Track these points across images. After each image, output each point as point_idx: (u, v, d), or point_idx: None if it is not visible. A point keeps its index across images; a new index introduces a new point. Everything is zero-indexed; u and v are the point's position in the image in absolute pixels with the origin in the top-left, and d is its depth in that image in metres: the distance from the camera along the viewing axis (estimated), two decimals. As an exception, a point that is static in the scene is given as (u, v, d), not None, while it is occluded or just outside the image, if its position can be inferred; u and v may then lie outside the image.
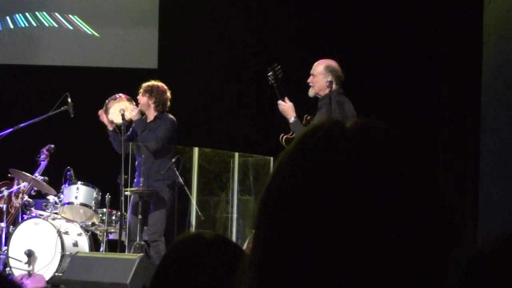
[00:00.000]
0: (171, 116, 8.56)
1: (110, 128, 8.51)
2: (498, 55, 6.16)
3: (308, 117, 7.02)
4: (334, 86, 6.91)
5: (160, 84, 8.57)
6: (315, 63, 7.11)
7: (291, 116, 6.94)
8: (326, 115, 6.64)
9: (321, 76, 6.99)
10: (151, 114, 8.53)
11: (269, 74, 7.11)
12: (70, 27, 10.97)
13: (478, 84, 6.57)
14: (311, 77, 7.06)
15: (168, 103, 8.56)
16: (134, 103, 8.55)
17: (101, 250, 8.59)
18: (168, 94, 8.56)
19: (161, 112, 8.52)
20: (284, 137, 6.95)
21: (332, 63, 7.08)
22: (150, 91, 8.50)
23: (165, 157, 8.46)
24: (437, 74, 9.88)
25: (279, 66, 7.10)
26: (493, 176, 6.09)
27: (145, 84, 8.56)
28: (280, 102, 7.01)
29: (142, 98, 8.52)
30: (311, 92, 7.06)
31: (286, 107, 6.97)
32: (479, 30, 6.59)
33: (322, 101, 6.99)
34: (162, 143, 8.41)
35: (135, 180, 8.46)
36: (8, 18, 10.97)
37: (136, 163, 8.49)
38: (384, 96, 9.85)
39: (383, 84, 9.93)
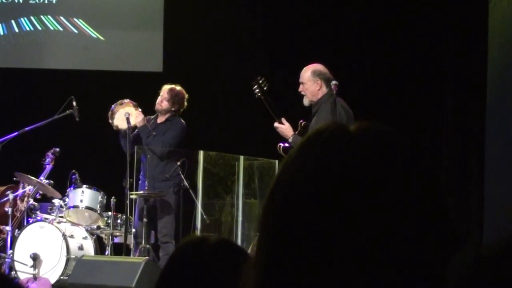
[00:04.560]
0: (182, 120, 8.58)
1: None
2: (503, 57, 6.16)
3: (303, 123, 7.02)
4: (325, 89, 6.90)
5: (183, 90, 8.60)
6: (302, 71, 7.09)
7: (290, 136, 6.95)
8: (331, 117, 6.63)
9: (310, 82, 6.98)
10: (164, 117, 8.57)
11: (253, 87, 7.11)
12: (75, 31, 10.99)
13: (483, 85, 6.57)
14: (301, 86, 7.04)
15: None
16: (139, 109, 8.56)
17: (106, 253, 8.60)
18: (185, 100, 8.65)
19: (174, 115, 8.55)
20: (281, 146, 6.95)
21: (318, 66, 7.05)
22: (176, 97, 8.51)
23: (170, 159, 8.48)
24: (442, 76, 9.87)
25: (263, 79, 7.10)
26: (498, 177, 6.08)
27: (171, 89, 8.54)
28: (277, 125, 7.01)
29: (165, 103, 8.51)
30: (305, 101, 7.04)
31: (284, 128, 6.99)
32: (484, 32, 6.60)
33: (316, 106, 6.97)
34: (169, 148, 8.43)
35: (140, 181, 8.47)
36: (13, 21, 10.98)
37: (141, 164, 8.51)
38: (389, 99, 9.85)
39: (388, 86, 9.93)
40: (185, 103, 8.61)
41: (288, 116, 7.11)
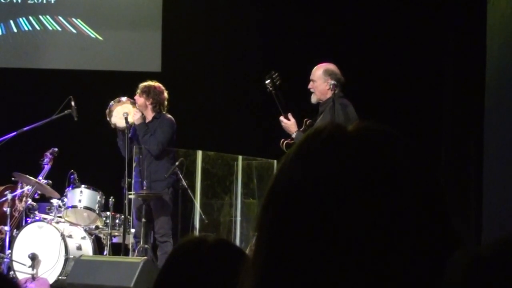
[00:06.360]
0: (169, 116, 8.55)
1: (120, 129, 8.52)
2: (501, 58, 6.15)
3: (308, 121, 7.01)
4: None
5: (157, 84, 8.55)
6: (314, 68, 7.08)
7: (293, 132, 6.94)
8: (329, 118, 6.63)
9: (320, 80, 6.96)
10: (149, 115, 8.54)
11: (266, 81, 7.10)
12: (74, 31, 10.99)
13: (482, 85, 6.56)
14: (311, 83, 7.03)
15: (166, 103, 8.56)
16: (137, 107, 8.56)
17: (104, 253, 8.60)
18: (165, 94, 8.55)
19: (159, 112, 8.52)
20: (285, 142, 6.95)
21: (331, 66, 7.04)
22: (147, 92, 8.49)
23: (164, 158, 8.47)
24: (441, 76, 9.87)
25: (276, 73, 7.09)
26: (497, 177, 6.08)
27: (142, 85, 8.55)
28: (282, 119, 7.00)
29: (139, 99, 8.51)
30: (313, 99, 7.03)
31: (288, 124, 6.98)
32: (482, 32, 6.59)
33: (323, 106, 6.96)
34: (163, 146, 8.43)
35: (133, 180, 8.46)
36: (11, 22, 10.98)
37: (134, 164, 8.49)
38: (388, 99, 9.85)
39: (386, 86, 9.93)
40: (164, 97, 8.53)
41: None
